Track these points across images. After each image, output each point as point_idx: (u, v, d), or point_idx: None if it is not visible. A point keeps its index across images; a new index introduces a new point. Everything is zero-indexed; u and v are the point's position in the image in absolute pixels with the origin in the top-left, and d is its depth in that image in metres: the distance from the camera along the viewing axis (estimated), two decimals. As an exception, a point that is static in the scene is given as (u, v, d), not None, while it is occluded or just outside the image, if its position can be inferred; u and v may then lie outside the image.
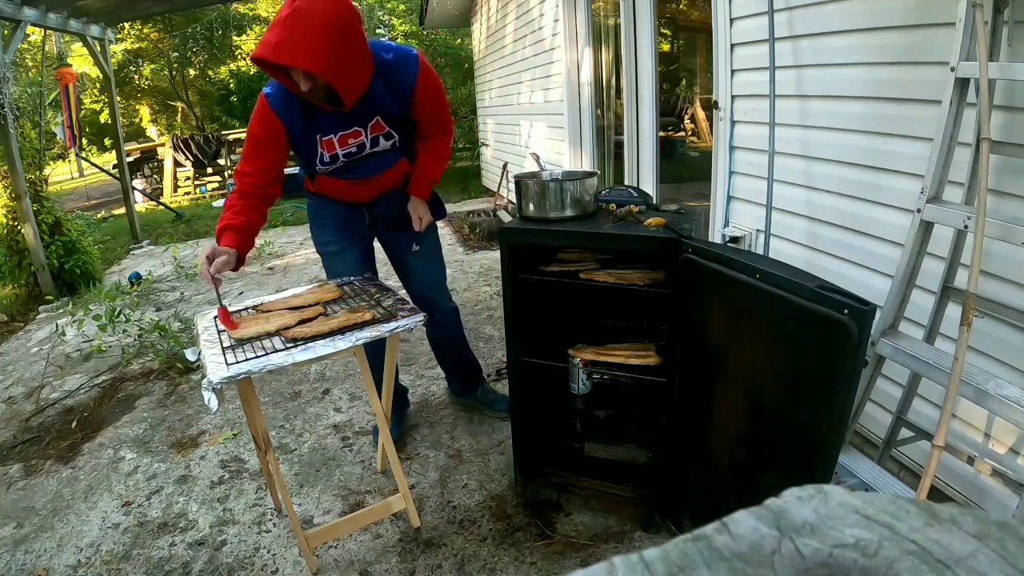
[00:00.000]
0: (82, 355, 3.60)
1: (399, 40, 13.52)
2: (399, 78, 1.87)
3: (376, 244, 2.30)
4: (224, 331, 1.68)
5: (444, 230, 5.70)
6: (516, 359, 1.92)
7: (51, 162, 12.12)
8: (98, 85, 12.64)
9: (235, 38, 14.27)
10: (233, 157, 10.60)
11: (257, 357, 1.50)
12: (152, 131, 15.78)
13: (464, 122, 9.46)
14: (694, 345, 1.65)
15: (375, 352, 2.00)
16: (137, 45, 13.24)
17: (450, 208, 6.03)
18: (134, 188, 7.89)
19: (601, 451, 2.10)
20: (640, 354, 1.87)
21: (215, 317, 1.79)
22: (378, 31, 13.82)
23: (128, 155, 8.38)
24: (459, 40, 12.35)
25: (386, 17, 14.17)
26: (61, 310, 4.39)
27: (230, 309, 1.86)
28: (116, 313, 3.83)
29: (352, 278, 2.05)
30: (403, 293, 2.13)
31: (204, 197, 10.26)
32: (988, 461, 1.62)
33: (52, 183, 8.96)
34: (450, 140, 2.20)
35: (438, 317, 2.35)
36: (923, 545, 0.29)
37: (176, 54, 13.68)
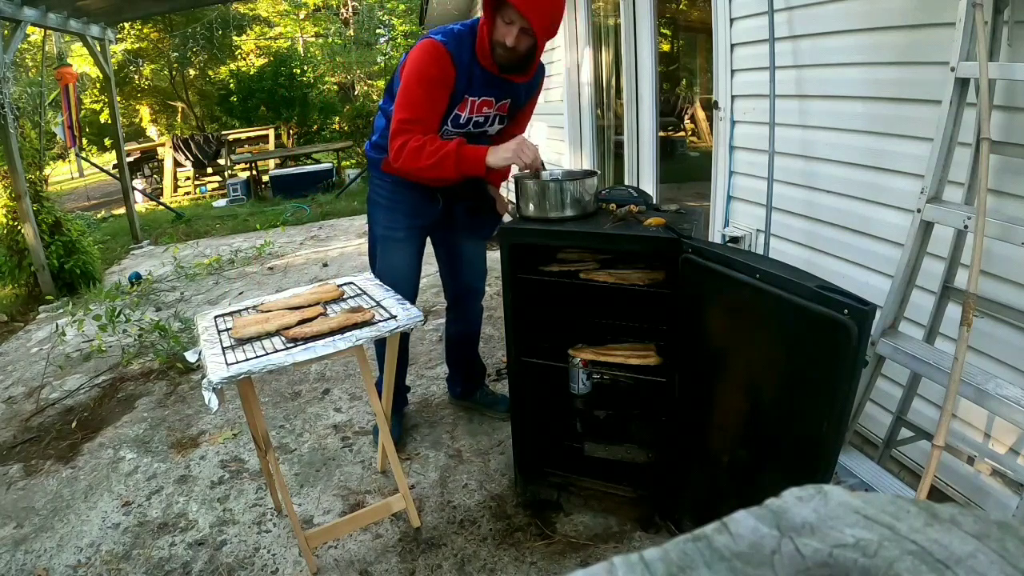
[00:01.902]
0: (82, 355, 3.60)
1: (399, 40, 13.54)
2: (536, 77, 2.02)
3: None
4: (225, 330, 1.68)
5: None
6: (516, 359, 1.92)
7: (51, 162, 12.11)
8: (98, 85, 12.64)
9: (235, 38, 14.25)
10: (233, 157, 10.59)
11: (257, 357, 1.50)
12: (152, 131, 15.77)
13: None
14: (694, 345, 1.65)
15: (383, 350, 1.99)
16: (137, 45, 13.23)
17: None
18: (134, 188, 7.88)
19: (601, 451, 2.10)
20: (640, 354, 1.87)
21: (216, 316, 1.79)
22: (378, 31, 13.82)
23: (128, 155, 8.37)
24: (459, 40, 12.31)
25: (386, 17, 14.18)
26: (61, 310, 4.39)
27: (230, 309, 1.86)
28: (116, 313, 3.83)
29: (352, 278, 2.05)
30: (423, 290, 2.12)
31: (204, 197, 10.25)
32: (988, 461, 1.62)
33: (52, 183, 8.96)
34: None
35: (471, 313, 2.45)
36: (923, 545, 0.29)
37: (176, 54, 13.67)
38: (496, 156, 1.80)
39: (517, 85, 1.97)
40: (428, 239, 2.29)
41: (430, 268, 2.50)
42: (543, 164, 1.86)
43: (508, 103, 2.01)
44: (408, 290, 2.15)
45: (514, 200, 1.92)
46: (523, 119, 2.19)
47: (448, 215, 2.22)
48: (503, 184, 2.31)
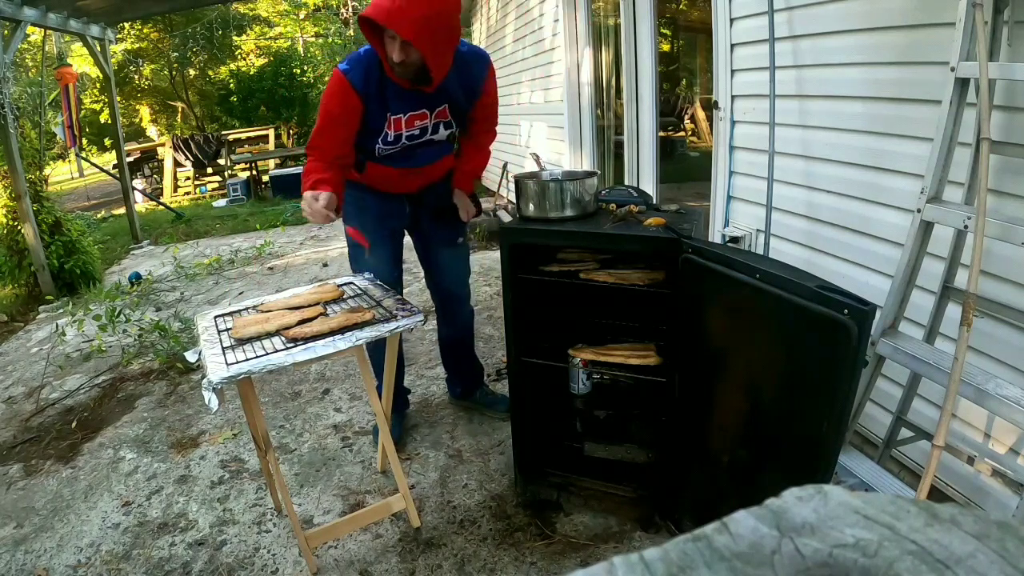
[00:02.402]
0: (82, 355, 3.60)
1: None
2: (471, 72, 1.98)
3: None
4: (225, 331, 1.68)
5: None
6: (516, 359, 1.92)
7: (51, 162, 12.11)
8: (98, 85, 12.64)
9: (235, 38, 14.27)
10: (233, 157, 10.59)
11: (257, 357, 1.50)
12: (152, 131, 15.77)
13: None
14: (694, 345, 1.65)
15: (377, 354, 2.00)
16: (137, 45, 13.24)
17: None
18: (134, 188, 7.88)
19: (601, 451, 2.10)
20: (640, 354, 1.87)
21: (216, 316, 1.79)
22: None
23: (128, 155, 8.38)
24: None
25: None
26: (61, 310, 4.39)
27: (230, 309, 1.86)
28: (116, 313, 3.83)
29: (352, 278, 2.05)
30: (405, 292, 2.13)
31: (204, 197, 10.26)
32: (988, 461, 1.62)
33: (52, 183, 8.96)
34: (492, 140, 2.29)
35: (460, 315, 2.42)
36: (923, 545, 0.29)
37: (176, 54, 13.67)
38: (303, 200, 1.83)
39: (448, 89, 1.93)
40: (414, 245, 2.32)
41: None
42: (326, 217, 1.80)
43: (446, 108, 1.98)
44: None
45: (512, 201, 1.93)
46: (485, 115, 2.14)
47: (416, 221, 2.25)
48: (501, 184, 2.31)
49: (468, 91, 2.00)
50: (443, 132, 2.04)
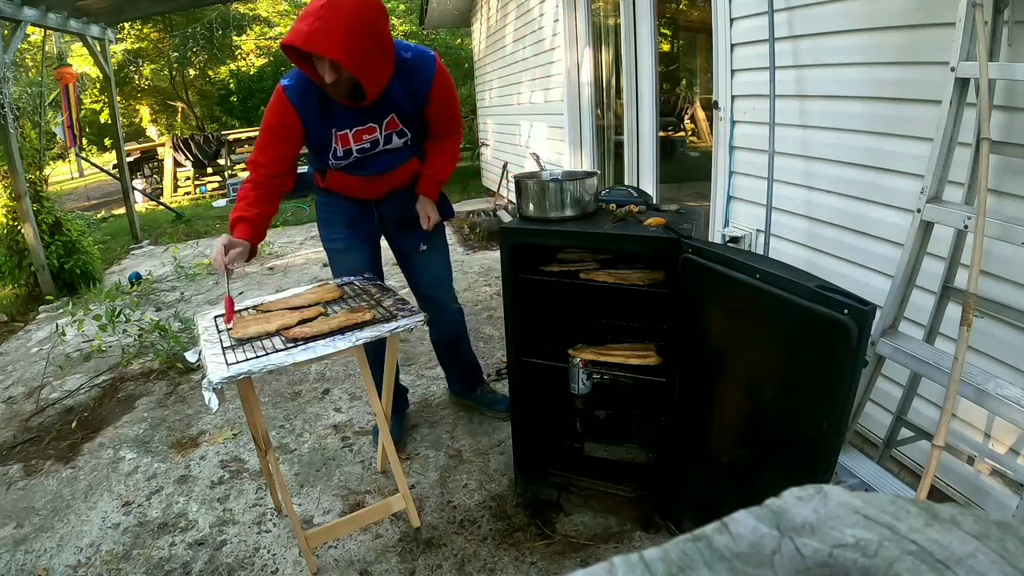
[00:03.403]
0: (82, 355, 3.61)
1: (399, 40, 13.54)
2: (416, 78, 1.93)
3: (382, 244, 2.32)
4: (224, 331, 1.68)
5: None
6: (516, 359, 1.92)
7: (51, 162, 12.10)
8: (98, 85, 12.64)
9: (235, 38, 14.27)
10: (233, 157, 10.59)
11: (257, 357, 1.50)
12: (152, 131, 15.77)
13: (464, 122, 9.47)
14: (694, 345, 1.65)
15: (376, 353, 2.00)
16: (137, 45, 13.24)
17: (450, 208, 6.02)
18: (134, 188, 7.88)
19: (601, 451, 2.10)
20: (640, 354, 1.87)
21: (215, 316, 1.79)
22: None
23: (128, 155, 8.38)
24: (459, 40, 12.36)
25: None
26: (61, 310, 4.39)
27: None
28: (116, 313, 3.82)
29: (352, 278, 2.05)
30: (403, 293, 2.13)
31: (204, 197, 10.26)
32: (988, 461, 1.62)
33: (52, 183, 8.95)
34: (459, 142, 2.26)
35: (443, 317, 2.39)
36: (923, 545, 0.29)
37: (176, 54, 13.68)
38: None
39: (392, 99, 1.90)
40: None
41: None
42: (226, 270, 1.77)
43: (394, 117, 1.95)
44: None
45: (512, 201, 1.93)
46: (441, 117, 2.08)
47: (383, 227, 2.25)
48: (501, 184, 2.31)
49: (414, 97, 1.95)
50: (397, 141, 2.01)
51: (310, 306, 1.78)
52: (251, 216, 1.85)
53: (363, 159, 2.00)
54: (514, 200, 1.94)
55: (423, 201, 2.16)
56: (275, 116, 1.89)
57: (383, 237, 2.31)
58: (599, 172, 3.82)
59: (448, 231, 5.74)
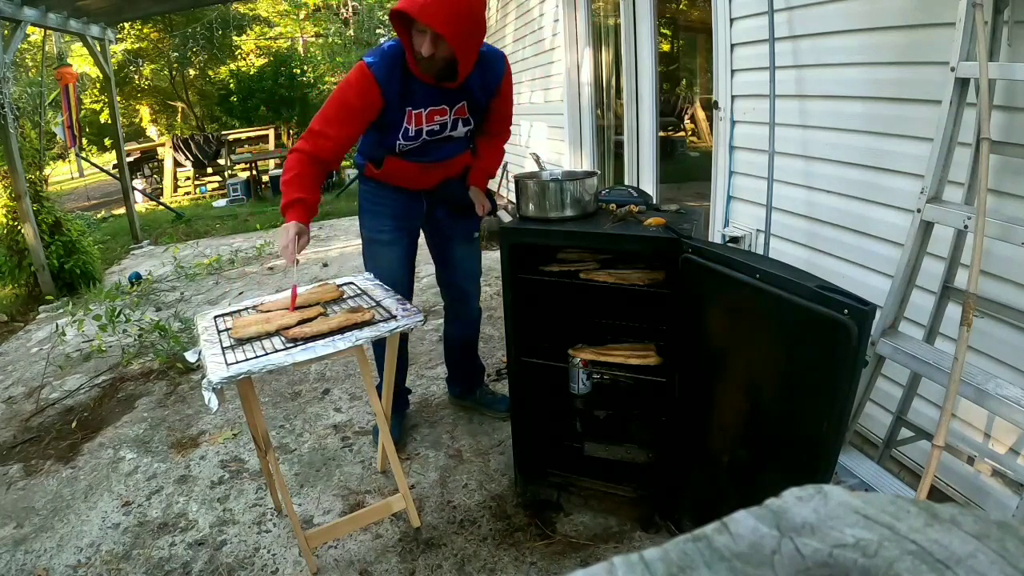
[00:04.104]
0: (82, 355, 3.60)
1: (399, 40, 13.53)
2: (490, 71, 2.00)
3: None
4: (224, 331, 1.68)
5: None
6: (516, 359, 1.92)
7: (51, 162, 12.11)
8: (98, 85, 12.64)
9: (235, 38, 14.26)
10: (233, 157, 10.59)
11: (257, 357, 1.50)
12: (152, 131, 15.77)
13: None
14: (694, 345, 1.65)
15: (378, 354, 2.01)
16: (137, 45, 13.23)
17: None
18: (134, 188, 7.88)
19: (601, 451, 2.10)
20: (640, 354, 1.87)
21: (216, 316, 1.79)
22: (378, 31, 13.82)
23: (128, 155, 8.37)
24: (459, 40, 12.28)
25: (386, 17, 14.17)
26: (61, 310, 4.39)
27: (230, 309, 1.86)
28: (116, 313, 3.83)
29: (353, 278, 2.05)
30: (422, 284, 2.13)
31: (204, 197, 10.25)
32: (988, 461, 1.62)
33: (52, 183, 8.96)
34: (506, 140, 2.31)
35: (468, 314, 2.44)
36: (923, 545, 0.29)
37: (176, 54, 13.67)
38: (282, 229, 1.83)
39: (468, 87, 1.95)
40: (425, 242, 2.32)
41: (430, 268, 2.51)
42: (296, 261, 1.80)
43: (465, 105, 2.00)
44: (401, 292, 2.16)
45: (512, 201, 1.93)
46: (501, 114, 2.17)
47: (431, 217, 2.25)
48: (501, 184, 2.32)
49: (487, 89, 2.02)
50: (461, 129, 2.05)
51: (310, 306, 1.78)
52: (311, 202, 1.87)
53: (426, 144, 2.02)
54: (514, 200, 1.94)
55: (475, 190, 2.21)
56: (356, 93, 1.88)
57: (423, 232, 2.31)
58: (599, 172, 3.82)
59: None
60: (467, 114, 2.02)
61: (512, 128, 2.31)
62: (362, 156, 2.14)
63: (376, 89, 1.86)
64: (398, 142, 1.98)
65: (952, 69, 1.50)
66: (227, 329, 1.69)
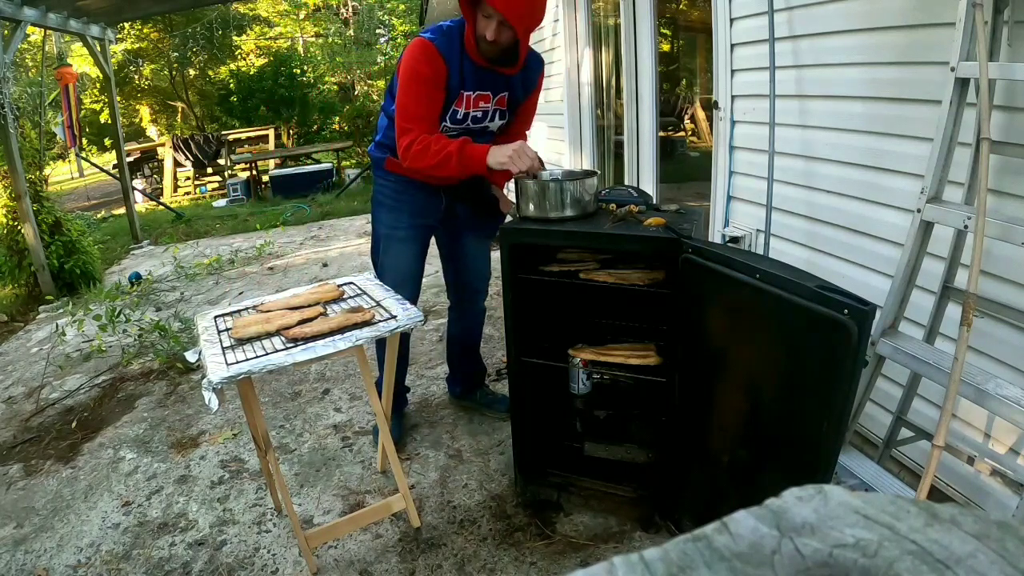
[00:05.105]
0: (82, 355, 3.60)
1: (399, 40, 13.54)
2: (532, 70, 2.06)
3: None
4: (225, 331, 1.68)
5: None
6: (516, 359, 1.92)
7: (51, 162, 12.10)
8: (98, 85, 12.63)
9: (235, 38, 14.25)
10: (233, 157, 10.58)
11: (257, 357, 1.50)
12: (152, 131, 15.76)
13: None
14: (694, 345, 1.65)
15: (379, 354, 2.00)
16: (137, 45, 13.22)
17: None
18: (134, 188, 7.88)
19: (601, 451, 2.10)
20: (640, 354, 1.87)
21: (216, 316, 1.79)
22: (378, 31, 13.82)
23: (128, 155, 8.37)
24: (459, 40, 12.27)
25: (386, 17, 14.17)
26: (61, 310, 4.39)
27: (230, 309, 1.86)
28: (116, 313, 3.82)
29: (353, 278, 2.05)
30: (429, 279, 2.12)
31: (204, 197, 10.25)
32: (988, 461, 1.62)
33: (52, 183, 8.96)
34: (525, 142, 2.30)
35: (475, 313, 2.45)
36: (923, 545, 0.29)
37: (176, 54, 13.66)
38: (494, 157, 1.82)
39: (512, 79, 1.98)
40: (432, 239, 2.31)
41: (431, 267, 2.51)
42: (542, 165, 1.87)
43: (506, 96, 2.02)
44: (411, 289, 2.17)
45: (515, 200, 1.93)
46: (527, 114, 2.20)
47: (451, 214, 2.23)
48: (506, 184, 2.31)
49: (526, 84, 2.06)
50: (497, 121, 2.07)
51: (310, 306, 1.78)
52: (462, 140, 1.86)
53: (466, 133, 2.01)
54: (514, 200, 1.94)
55: (496, 189, 2.21)
56: (427, 65, 1.86)
57: (439, 230, 2.30)
58: (599, 172, 3.82)
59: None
60: (505, 106, 2.04)
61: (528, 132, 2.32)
62: (383, 149, 2.12)
63: (442, 62, 1.87)
64: (444, 124, 1.97)
65: (952, 69, 1.50)
66: (227, 329, 1.69)
